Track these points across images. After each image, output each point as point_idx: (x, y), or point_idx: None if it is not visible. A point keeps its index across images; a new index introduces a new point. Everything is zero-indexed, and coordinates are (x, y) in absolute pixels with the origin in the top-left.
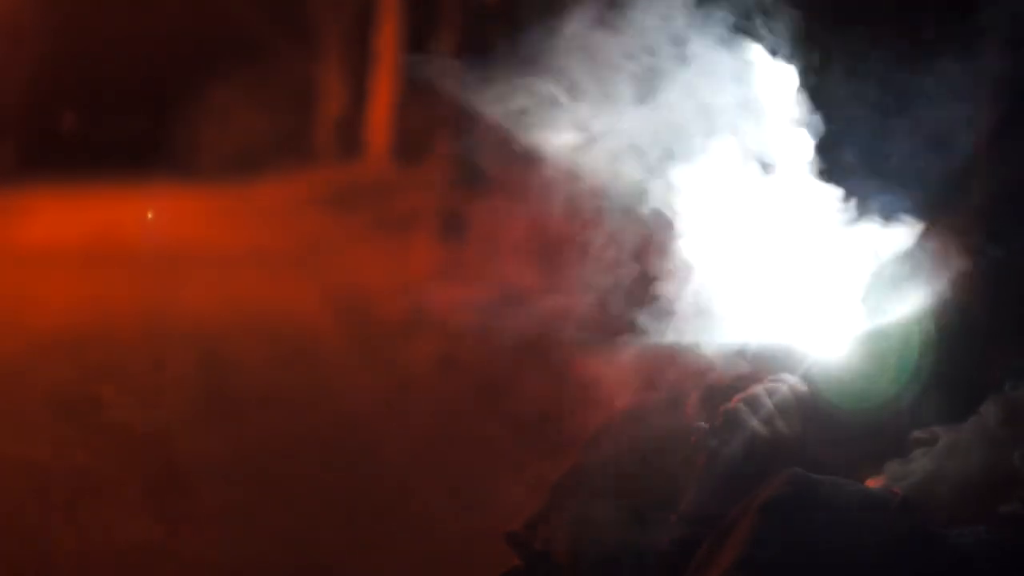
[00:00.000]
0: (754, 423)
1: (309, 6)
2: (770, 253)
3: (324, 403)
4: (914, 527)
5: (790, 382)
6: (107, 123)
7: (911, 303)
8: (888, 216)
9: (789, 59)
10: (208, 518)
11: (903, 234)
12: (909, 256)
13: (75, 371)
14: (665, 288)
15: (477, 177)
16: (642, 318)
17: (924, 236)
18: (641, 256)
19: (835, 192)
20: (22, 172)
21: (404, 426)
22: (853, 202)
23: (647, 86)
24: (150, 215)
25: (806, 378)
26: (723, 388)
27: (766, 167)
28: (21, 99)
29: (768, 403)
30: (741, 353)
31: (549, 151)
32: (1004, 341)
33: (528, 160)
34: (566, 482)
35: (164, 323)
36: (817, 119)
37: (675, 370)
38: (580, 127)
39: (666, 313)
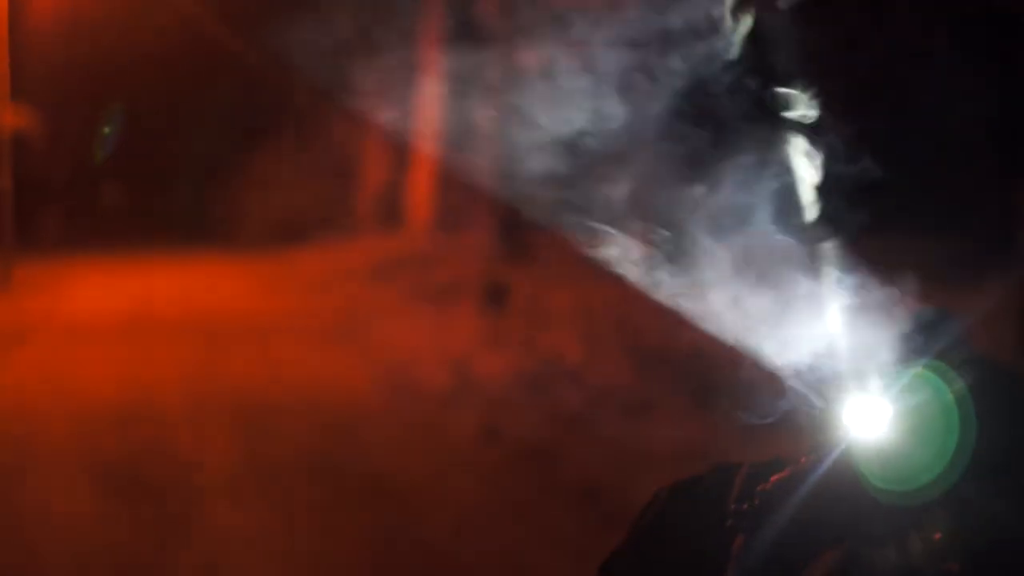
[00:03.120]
0: (789, 506)
1: (351, 76)
2: (808, 328)
3: (367, 475)
4: None
5: (828, 461)
6: (150, 194)
7: (952, 378)
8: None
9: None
10: None
11: (943, 305)
12: (950, 329)
13: (118, 443)
14: (712, 361)
15: (518, 248)
16: (691, 390)
17: (966, 306)
18: (680, 328)
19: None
20: (68, 243)
21: (448, 496)
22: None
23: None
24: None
25: (845, 457)
26: (766, 466)
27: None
28: (66, 172)
29: (805, 483)
30: (784, 428)
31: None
32: None
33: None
34: (612, 563)
35: (206, 393)
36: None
37: (724, 443)
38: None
39: (714, 386)
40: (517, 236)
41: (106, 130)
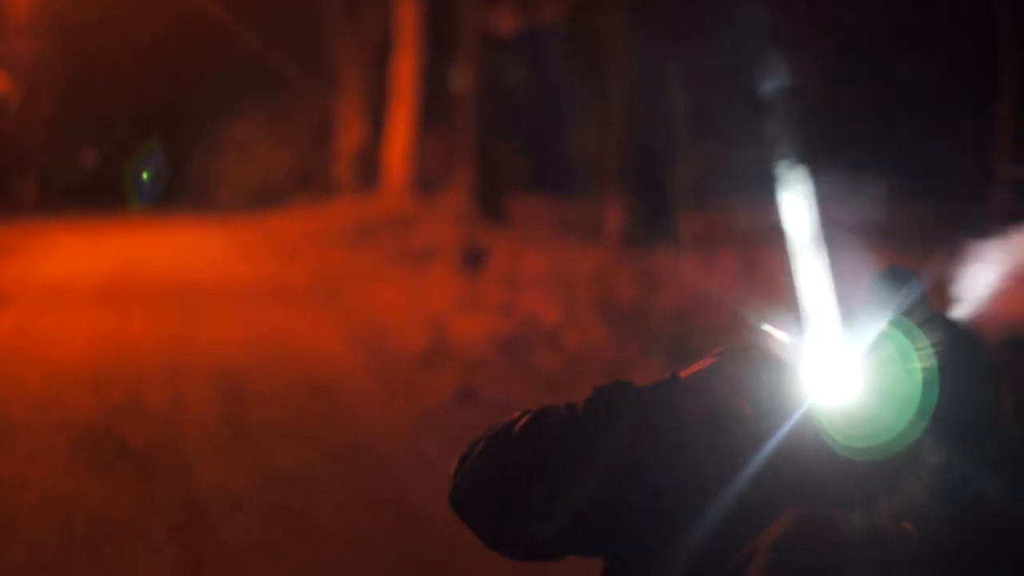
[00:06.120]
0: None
1: (329, 42)
2: (777, 288)
3: (345, 436)
4: (925, 562)
5: (792, 419)
6: (126, 158)
7: (916, 337)
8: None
9: None
10: (231, 554)
11: (911, 264)
12: (915, 287)
13: (97, 406)
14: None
15: (495, 210)
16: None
17: (938, 265)
18: (653, 288)
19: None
20: (44, 207)
21: (424, 458)
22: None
23: None
24: None
25: (808, 415)
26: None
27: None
28: (42, 136)
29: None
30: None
31: None
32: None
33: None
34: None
35: (184, 357)
36: None
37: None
38: None
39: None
40: (494, 199)
41: (145, 173)
